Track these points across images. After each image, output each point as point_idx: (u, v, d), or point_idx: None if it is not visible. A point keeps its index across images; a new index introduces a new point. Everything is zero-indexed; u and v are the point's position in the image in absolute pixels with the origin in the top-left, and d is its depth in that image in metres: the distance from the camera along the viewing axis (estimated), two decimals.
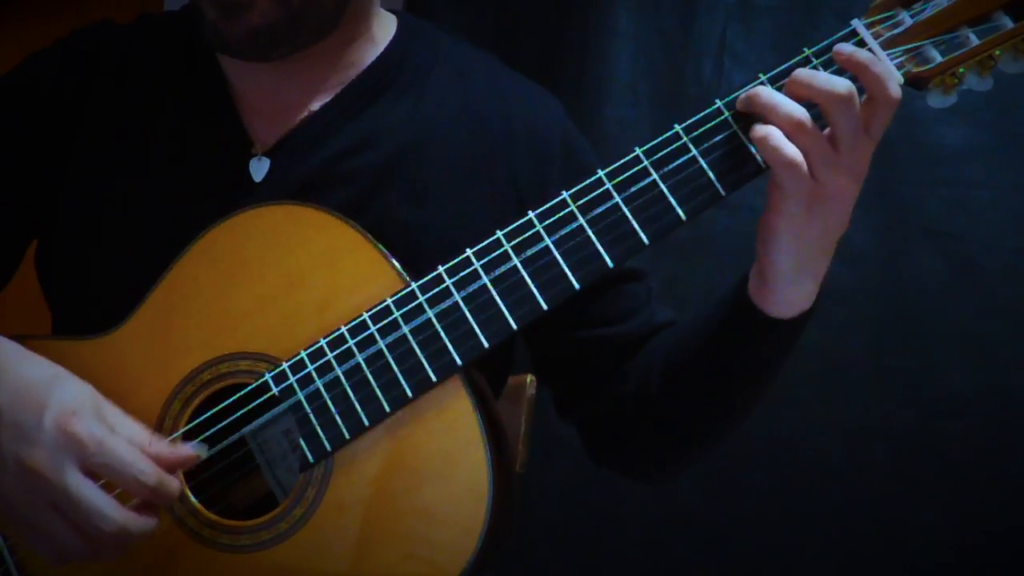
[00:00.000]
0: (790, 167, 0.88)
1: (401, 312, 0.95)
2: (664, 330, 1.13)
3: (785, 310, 0.97)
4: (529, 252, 0.94)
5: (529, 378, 1.39)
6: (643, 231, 0.92)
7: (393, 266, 0.97)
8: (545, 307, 0.93)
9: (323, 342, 0.96)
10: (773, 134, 0.88)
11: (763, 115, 0.89)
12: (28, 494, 0.90)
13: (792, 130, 0.88)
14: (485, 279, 0.94)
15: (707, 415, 1.07)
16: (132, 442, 0.92)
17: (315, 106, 1.11)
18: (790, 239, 0.93)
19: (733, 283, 1.01)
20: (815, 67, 0.91)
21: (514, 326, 0.93)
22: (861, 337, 1.96)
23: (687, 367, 1.05)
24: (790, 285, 0.96)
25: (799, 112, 0.88)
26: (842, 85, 0.87)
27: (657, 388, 1.07)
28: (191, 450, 0.95)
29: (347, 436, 0.94)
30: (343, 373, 0.95)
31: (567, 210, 0.94)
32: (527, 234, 0.94)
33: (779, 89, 0.90)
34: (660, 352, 1.09)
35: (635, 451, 1.14)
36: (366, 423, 0.94)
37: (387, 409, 0.94)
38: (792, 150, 0.88)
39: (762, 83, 0.92)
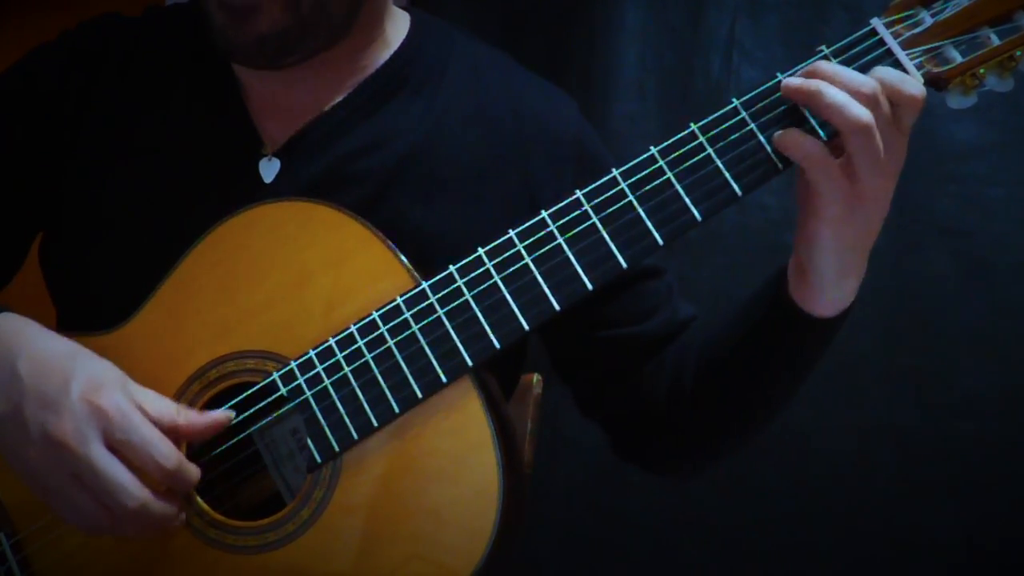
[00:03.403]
0: (865, 131, 0.86)
1: (411, 312, 0.94)
2: (687, 326, 1.13)
3: (829, 310, 0.97)
4: (541, 251, 0.93)
5: (535, 377, 1.37)
6: (657, 231, 0.92)
7: (404, 265, 0.96)
8: (558, 308, 0.92)
9: (332, 341, 0.95)
10: (844, 98, 0.86)
11: (829, 81, 0.87)
12: (52, 464, 0.89)
13: (864, 101, 0.86)
14: (497, 279, 0.93)
15: (742, 413, 1.07)
16: (160, 414, 0.92)
17: (326, 106, 1.10)
18: (833, 243, 0.92)
19: (768, 281, 1.00)
20: None
21: (526, 327, 0.92)
22: (871, 336, 1.95)
23: (723, 366, 1.05)
24: (834, 287, 0.95)
25: (869, 82, 0.87)
26: (868, 83, 0.86)
27: (691, 386, 1.06)
28: (220, 414, 0.95)
29: (355, 436, 0.93)
30: (352, 373, 0.94)
31: (580, 210, 0.93)
32: (540, 234, 0.93)
33: None
34: (693, 350, 1.08)
35: (664, 447, 1.14)
36: (375, 423, 0.93)
37: (396, 410, 0.93)
38: (865, 112, 0.86)
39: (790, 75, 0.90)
